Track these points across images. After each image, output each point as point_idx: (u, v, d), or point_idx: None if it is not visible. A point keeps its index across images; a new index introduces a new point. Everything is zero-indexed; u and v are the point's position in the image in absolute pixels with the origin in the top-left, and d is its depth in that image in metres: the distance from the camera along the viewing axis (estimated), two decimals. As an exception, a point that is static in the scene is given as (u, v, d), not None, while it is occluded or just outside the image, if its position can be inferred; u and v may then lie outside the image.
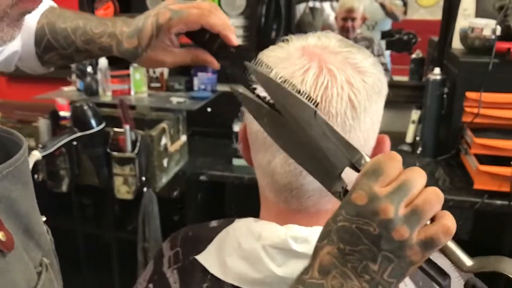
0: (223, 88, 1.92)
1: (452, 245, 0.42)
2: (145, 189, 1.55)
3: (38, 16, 0.72)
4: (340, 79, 0.52)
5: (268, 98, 0.49)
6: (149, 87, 1.94)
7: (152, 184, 1.56)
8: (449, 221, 0.40)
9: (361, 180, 0.42)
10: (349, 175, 0.45)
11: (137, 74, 1.84)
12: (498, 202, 1.52)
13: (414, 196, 0.41)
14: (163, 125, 1.58)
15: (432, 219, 0.41)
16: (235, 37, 0.61)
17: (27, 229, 0.40)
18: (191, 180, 1.82)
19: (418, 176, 0.41)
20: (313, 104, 0.50)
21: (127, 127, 1.48)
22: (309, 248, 0.53)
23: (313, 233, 0.55)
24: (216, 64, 0.63)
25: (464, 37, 1.81)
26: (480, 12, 1.92)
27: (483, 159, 1.55)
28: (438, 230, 0.40)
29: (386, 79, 0.56)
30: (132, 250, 1.71)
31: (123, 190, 1.53)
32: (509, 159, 1.52)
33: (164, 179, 1.63)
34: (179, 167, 1.75)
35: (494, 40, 1.66)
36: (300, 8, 2.51)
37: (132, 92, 1.89)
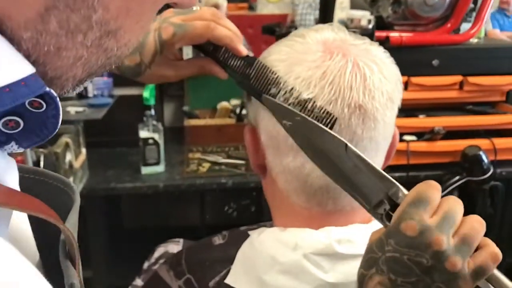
0: (120, 91, 1.78)
1: (497, 273, 0.42)
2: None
3: None
4: (376, 71, 0.52)
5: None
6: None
7: (60, 208, 1.38)
8: (496, 248, 0.41)
9: (408, 209, 0.41)
10: None
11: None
12: (397, 174, 1.69)
13: (458, 225, 0.41)
14: (66, 139, 1.40)
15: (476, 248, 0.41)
16: (243, 47, 0.58)
17: None
18: (95, 197, 1.65)
19: (458, 204, 0.42)
20: (332, 119, 0.49)
21: (25, 147, 1.27)
22: (353, 249, 0.53)
23: (353, 232, 0.54)
24: (223, 74, 0.59)
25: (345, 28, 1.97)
26: (353, 5, 2.11)
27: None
28: (487, 258, 0.41)
29: None
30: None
31: (25, 220, 1.33)
32: (402, 134, 1.70)
33: (72, 200, 1.45)
34: (82, 184, 1.58)
35: (373, 29, 1.83)
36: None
37: (15, 106, 1.62)
